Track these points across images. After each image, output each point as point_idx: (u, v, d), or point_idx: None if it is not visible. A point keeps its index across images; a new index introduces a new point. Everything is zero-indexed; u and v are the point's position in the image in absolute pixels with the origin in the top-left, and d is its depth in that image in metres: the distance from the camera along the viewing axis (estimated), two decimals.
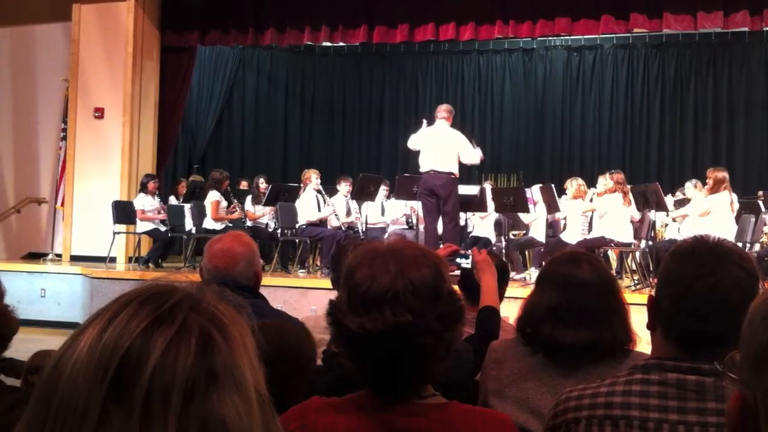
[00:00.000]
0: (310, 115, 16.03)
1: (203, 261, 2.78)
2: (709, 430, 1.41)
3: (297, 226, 9.73)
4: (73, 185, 10.67)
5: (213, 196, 9.89)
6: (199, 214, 10.08)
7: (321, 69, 15.99)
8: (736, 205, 8.59)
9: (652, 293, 1.56)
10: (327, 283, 4.75)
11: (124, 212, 10.07)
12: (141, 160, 10.81)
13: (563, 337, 2.00)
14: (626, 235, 8.60)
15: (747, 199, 10.01)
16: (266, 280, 4.52)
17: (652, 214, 8.70)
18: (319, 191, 10.00)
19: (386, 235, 9.71)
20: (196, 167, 14.10)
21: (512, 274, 8.02)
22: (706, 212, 8.19)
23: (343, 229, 10.08)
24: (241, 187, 12.02)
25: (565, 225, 9.69)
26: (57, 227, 10.85)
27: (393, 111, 15.77)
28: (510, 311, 3.01)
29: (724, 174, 8.33)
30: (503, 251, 8.96)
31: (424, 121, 9.02)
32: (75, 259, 10.42)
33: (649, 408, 1.45)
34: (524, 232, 10.29)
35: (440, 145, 8.57)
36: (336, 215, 10.10)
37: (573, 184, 9.39)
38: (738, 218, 8.65)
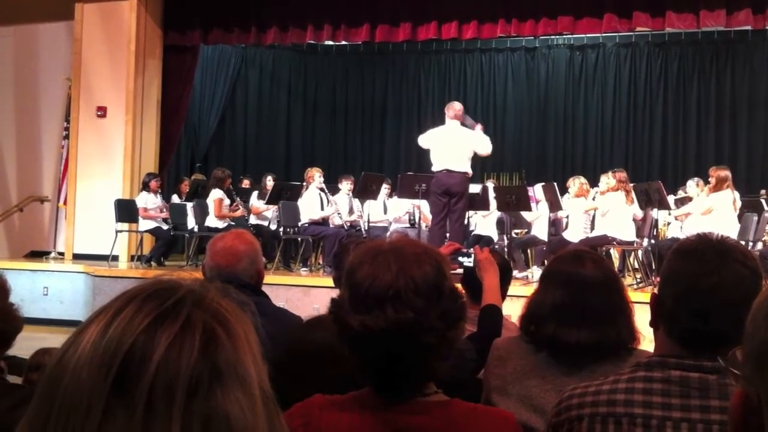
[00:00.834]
0: (313, 114, 16.03)
1: (206, 259, 2.78)
2: (712, 428, 1.41)
3: (299, 224, 9.73)
4: (76, 184, 10.69)
5: (216, 194, 9.90)
6: (201, 213, 10.09)
7: (323, 68, 15.99)
8: (739, 204, 8.58)
9: (655, 291, 1.56)
10: (329, 281, 4.76)
11: (126, 211, 10.08)
12: (143, 158, 10.82)
13: (567, 335, 1.99)
14: (629, 234, 8.60)
15: (750, 197, 10.00)
16: (268, 278, 4.52)
17: (655, 213, 8.69)
18: (321, 190, 10.00)
19: (388, 234, 9.71)
20: (199, 166, 14.11)
21: (514, 273, 8.01)
22: (708, 211, 8.17)
23: (346, 227, 10.09)
24: (244, 186, 12.03)
25: (567, 223, 9.68)
26: (60, 226, 10.87)
27: (395, 110, 15.77)
28: (512, 310, 3.01)
29: (726, 172, 8.32)
30: (505, 250, 8.96)
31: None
32: (77, 257, 10.43)
33: (652, 406, 1.45)
34: (526, 230, 10.29)
35: (454, 145, 8.57)
36: (338, 214, 10.10)
37: (575, 183, 9.38)
38: (741, 217, 8.63)
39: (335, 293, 1.53)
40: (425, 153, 9.14)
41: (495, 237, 9.95)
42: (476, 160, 9.22)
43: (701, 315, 1.43)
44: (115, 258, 10.09)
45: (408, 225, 10.56)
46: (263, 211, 10.58)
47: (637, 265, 9.22)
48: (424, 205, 9.94)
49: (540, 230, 9.68)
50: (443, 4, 10.28)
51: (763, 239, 9.04)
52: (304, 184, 10.13)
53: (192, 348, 0.67)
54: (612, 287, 2.07)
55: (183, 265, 10.04)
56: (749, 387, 0.79)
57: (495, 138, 15.11)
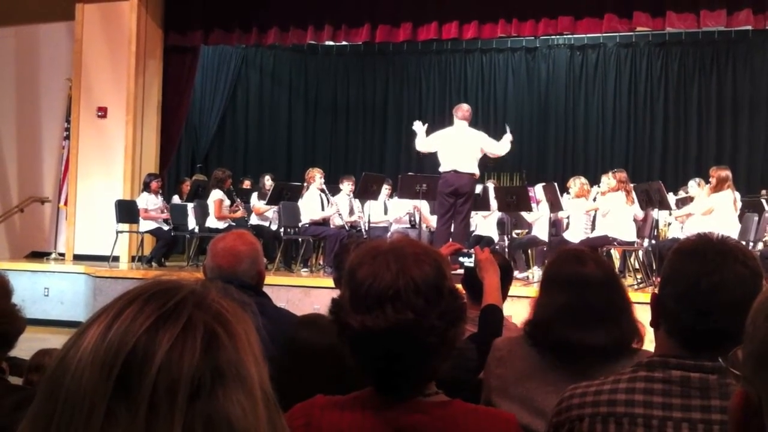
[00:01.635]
0: (313, 115, 16.04)
1: (206, 260, 2.78)
2: (713, 428, 1.41)
3: (300, 225, 9.73)
4: (77, 184, 10.69)
5: (216, 194, 9.90)
6: (202, 213, 10.08)
7: (324, 68, 16.00)
8: (740, 204, 8.58)
9: (656, 291, 1.56)
10: (330, 282, 4.75)
11: (127, 211, 10.08)
12: (144, 159, 10.82)
13: (573, 337, 1.99)
14: (629, 234, 8.59)
15: (750, 197, 10.00)
16: (269, 279, 4.52)
17: (655, 213, 8.68)
18: (322, 190, 10.00)
19: (389, 234, 9.71)
20: (199, 166, 14.11)
21: (515, 273, 8.01)
22: (709, 211, 8.17)
23: (346, 228, 10.09)
24: (244, 186, 12.03)
25: (568, 224, 9.68)
26: (60, 226, 10.86)
27: (396, 110, 15.77)
28: (513, 310, 3.01)
29: (727, 172, 8.32)
30: (506, 250, 8.96)
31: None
32: (78, 258, 10.43)
33: (653, 406, 1.45)
34: (527, 231, 10.28)
35: (462, 146, 8.58)
36: (339, 214, 10.10)
37: (576, 183, 9.38)
38: (741, 217, 8.63)
39: (336, 294, 1.53)
40: (425, 153, 9.16)
41: (495, 237, 9.95)
42: (487, 161, 9.26)
43: (702, 315, 1.43)
44: (116, 259, 10.09)
45: (408, 225, 10.56)
46: (265, 212, 10.59)
47: (637, 266, 9.21)
48: (424, 207, 9.94)
49: (541, 231, 9.68)
50: (444, 5, 10.28)
51: (763, 239, 9.04)
52: (305, 184, 10.13)
53: (194, 349, 0.68)
54: (614, 286, 2.07)
55: (184, 265, 10.04)
56: (750, 387, 0.79)
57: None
